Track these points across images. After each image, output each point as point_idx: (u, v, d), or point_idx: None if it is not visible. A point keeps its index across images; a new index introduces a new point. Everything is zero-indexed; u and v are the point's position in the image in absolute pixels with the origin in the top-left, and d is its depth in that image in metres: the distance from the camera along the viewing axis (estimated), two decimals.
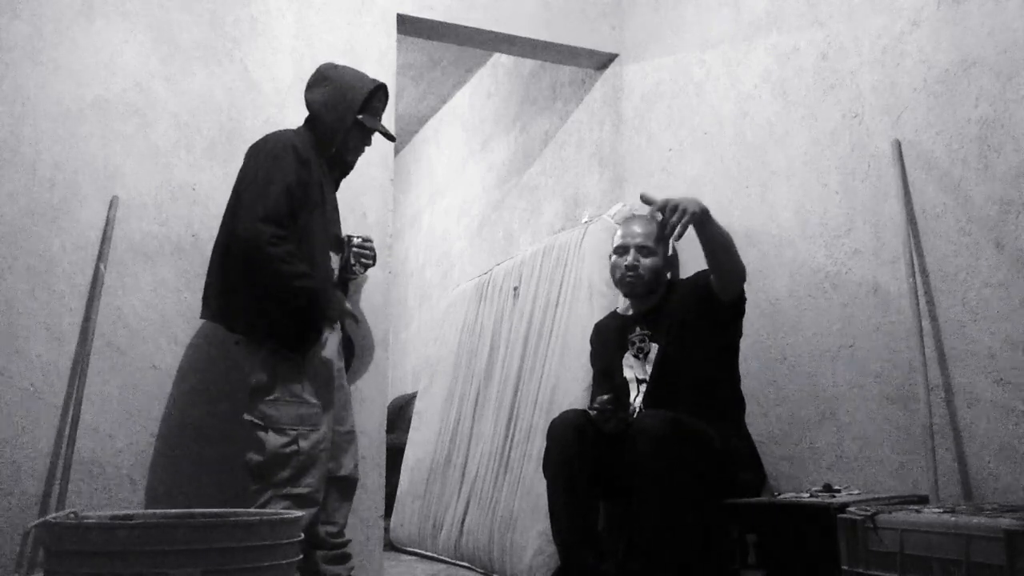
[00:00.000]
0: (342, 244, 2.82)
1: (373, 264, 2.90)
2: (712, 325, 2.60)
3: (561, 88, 4.44)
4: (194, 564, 1.69)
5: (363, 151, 2.81)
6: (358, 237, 2.85)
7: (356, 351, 2.93)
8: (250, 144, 3.03)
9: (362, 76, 2.75)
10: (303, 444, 2.49)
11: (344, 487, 2.73)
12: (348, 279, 2.84)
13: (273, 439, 2.49)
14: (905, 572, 1.87)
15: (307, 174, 2.55)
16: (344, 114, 2.65)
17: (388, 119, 3.33)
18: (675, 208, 2.33)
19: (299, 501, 2.47)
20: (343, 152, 2.74)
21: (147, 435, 2.86)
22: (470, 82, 5.74)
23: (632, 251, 2.69)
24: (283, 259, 2.43)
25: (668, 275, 2.80)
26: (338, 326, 2.75)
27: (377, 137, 3.16)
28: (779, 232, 2.92)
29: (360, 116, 2.67)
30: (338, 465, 2.70)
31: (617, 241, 2.76)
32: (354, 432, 2.80)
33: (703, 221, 2.40)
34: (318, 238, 2.58)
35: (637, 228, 2.74)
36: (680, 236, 2.34)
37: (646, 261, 2.69)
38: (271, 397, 2.52)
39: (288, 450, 2.48)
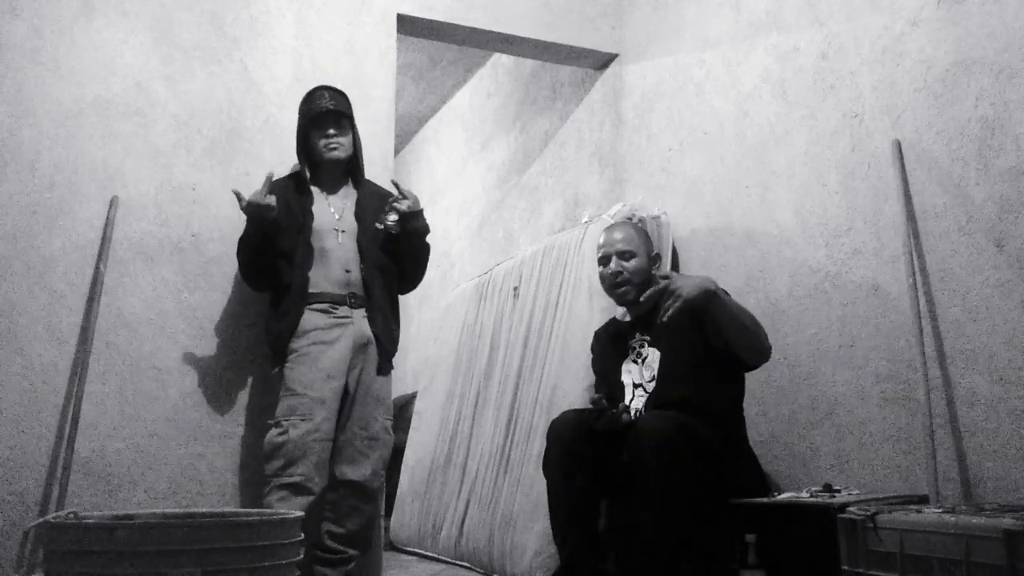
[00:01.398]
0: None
1: (407, 210, 2.77)
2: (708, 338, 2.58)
3: (561, 88, 4.44)
4: (194, 564, 1.68)
5: (332, 141, 2.84)
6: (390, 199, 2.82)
7: (386, 354, 2.88)
8: (250, 143, 3.19)
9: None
10: (292, 433, 2.59)
11: (357, 492, 2.73)
12: (391, 234, 2.80)
13: (270, 432, 2.64)
14: (905, 572, 1.87)
15: (278, 209, 2.75)
16: (298, 131, 2.89)
17: (388, 119, 3.35)
18: (671, 292, 2.37)
19: (293, 490, 2.56)
20: (317, 155, 2.86)
21: (147, 435, 2.86)
22: (470, 82, 5.73)
23: (614, 259, 2.70)
24: (239, 250, 2.83)
25: (656, 271, 2.78)
26: (364, 330, 2.76)
27: (376, 134, 3.19)
28: (779, 232, 2.92)
29: (305, 123, 2.85)
30: (354, 469, 2.71)
31: (599, 253, 2.77)
32: (380, 440, 2.77)
33: (708, 302, 2.39)
34: (297, 258, 2.75)
35: (616, 235, 2.74)
36: (672, 318, 2.38)
37: (629, 264, 2.68)
38: (279, 396, 2.69)
39: (279, 439, 2.60)
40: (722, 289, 2.44)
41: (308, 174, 2.89)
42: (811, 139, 2.82)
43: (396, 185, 2.83)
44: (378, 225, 2.78)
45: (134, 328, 2.90)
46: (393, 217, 2.77)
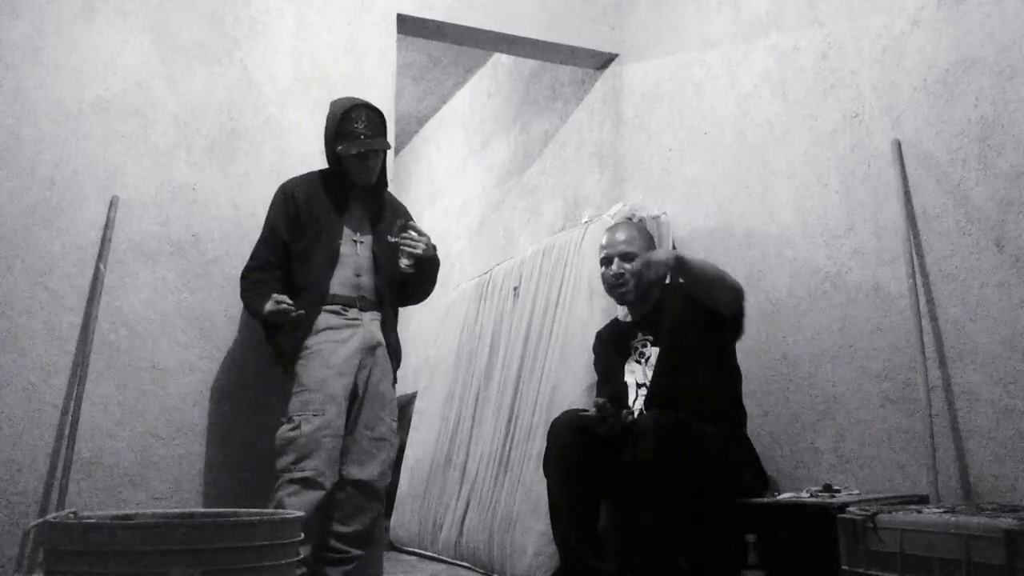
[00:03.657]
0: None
1: (422, 252, 2.79)
2: (711, 333, 2.58)
3: (561, 88, 4.44)
4: (194, 564, 1.68)
5: (369, 166, 2.81)
6: (408, 230, 2.81)
7: (398, 362, 2.92)
8: (250, 143, 3.20)
9: (338, 105, 2.83)
10: (305, 428, 2.60)
11: (364, 491, 2.74)
12: (407, 273, 2.81)
13: (282, 427, 2.64)
14: (905, 572, 1.87)
15: (295, 210, 2.78)
16: (329, 151, 2.83)
17: (388, 119, 3.34)
18: (647, 264, 2.41)
19: (305, 484, 2.56)
20: (350, 175, 2.83)
21: (147, 435, 2.86)
22: (470, 82, 5.73)
23: (616, 260, 2.70)
24: (245, 289, 2.79)
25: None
26: (374, 332, 2.79)
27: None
28: (779, 232, 2.92)
29: (339, 148, 2.77)
30: (361, 469, 2.72)
31: (601, 253, 2.77)
32: (386, 441, 2.79)
33: (679, 267, 2.43)
34: (317, 260, 2.74)
35: (619, 235, 2.74)
36: (656, 283, 2.61)
37: (631, 266, 2.67)
38: (291, 392, 2.69)
39: (291, 435, 2.60)
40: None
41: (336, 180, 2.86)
42: (811, 139, 2.82)
43: (412, 228, 2.81)
44: (403, 264, 2.77)
45: (134, 328, 2.90)
46: (407, 262, 2.77)
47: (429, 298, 3.19)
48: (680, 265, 2.42)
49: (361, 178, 2.83)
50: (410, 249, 2.78)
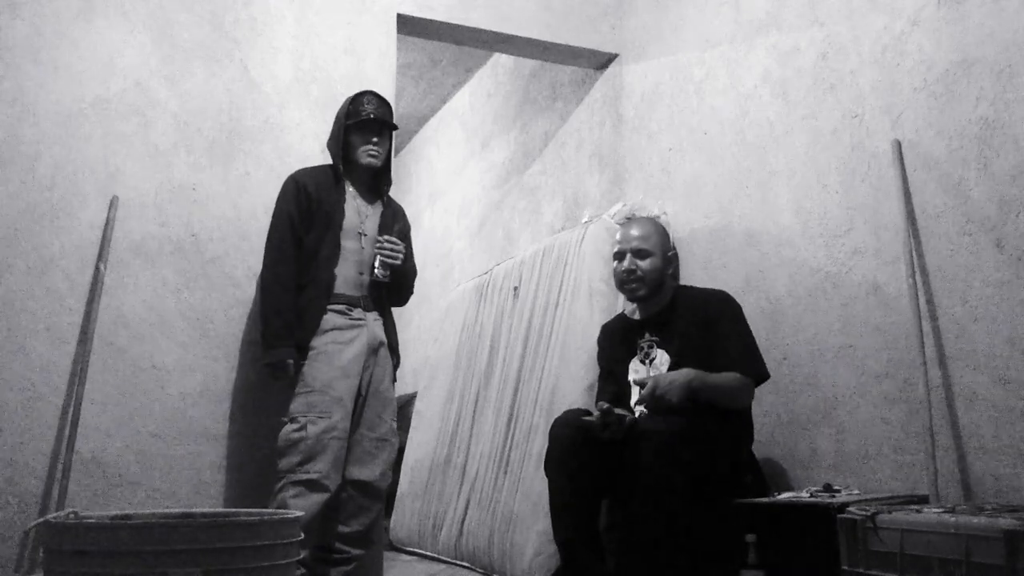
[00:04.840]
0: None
1: (399, 262, 2.83)
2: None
3: (561, 88, 4.44)
4: (194, 564, 1.68)
5: (373, 148, 2.85)
6: (382, 238, 2.83)
7: (397, 361, 2.94)
8: (250, 143, 3.20)
9: (351, 95, 2.93)
10: (311, 429, 2.60)
11: (366, 491, 2.75)
12: (378, 280, 2.82)
13: (286, 427, 2.64)
14: (905, 572, 1.87)
15: (307, 201, 2.79)
16: (338, 130, 2.86)
17: None
18: (659, 397, 2.38)
19: (310, 486, 2.56)
20: (353, 159, 2.85)
21: (147, 435, 2.86)
22: (470, 82, 5.73)
23: (628, 256, 2.69)
24: (268, 290, 2.76)
25: (671, 272, 2.79)
26: (377, 332, 2.81)
27: None
28: (779, 232, 2.92)
29: (348, 122, 2.84)
30: (362, 469, 2.73)
31: (615, 247, 2.76)
32: (388, 441, 2.81)
33: (693, 396, 2.41)
34: (323, 254, 2.75)
35: (633, 231, 2.72)
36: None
37: (643, 263, 2.68)
38: (295, 392, 2.68)
39: (297, 436, 2.60)
40: (698, 375, 2.44)
41: (342, 171, 2.88)
42: (811, 139, 2.82)
43: (388, 240, 2.83)
44: (378, 273, 2.81)
45: (134, 328, 2.90)
46: (383, 271, 2.80)
47: (429, 299, 3.19)
48: (695, 391, 2.41)
49: (365, 156, 2.84)
50: (391, 260, 2.80)
